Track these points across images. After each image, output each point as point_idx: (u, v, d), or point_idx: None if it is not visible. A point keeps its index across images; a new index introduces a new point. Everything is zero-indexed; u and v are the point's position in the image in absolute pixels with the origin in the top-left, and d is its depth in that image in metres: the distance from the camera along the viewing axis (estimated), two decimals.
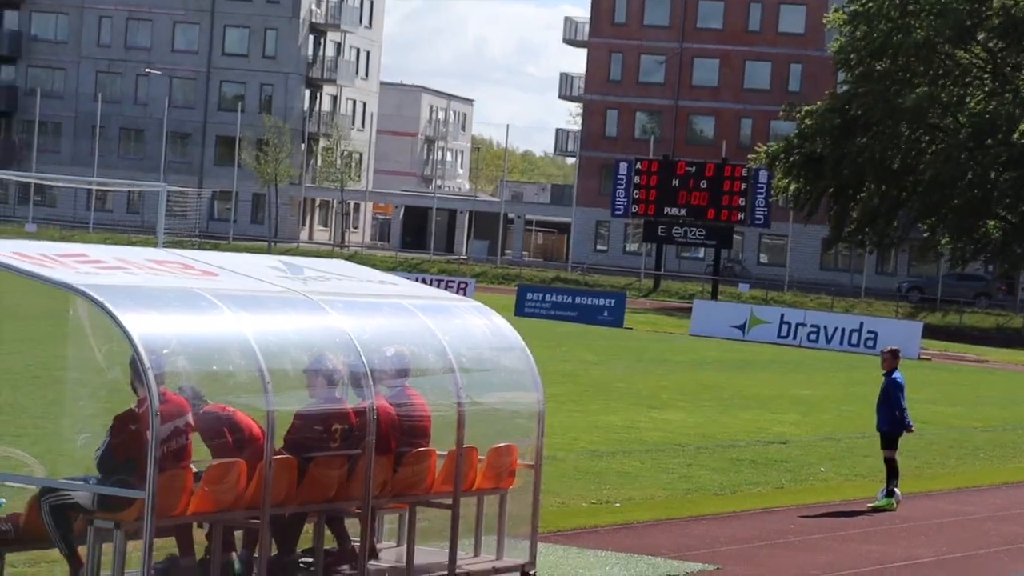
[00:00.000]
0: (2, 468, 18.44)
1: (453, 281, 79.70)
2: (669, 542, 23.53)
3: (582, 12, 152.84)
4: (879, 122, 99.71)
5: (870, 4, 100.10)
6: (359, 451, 18.49)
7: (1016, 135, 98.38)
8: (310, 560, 18.82)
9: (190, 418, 17.20)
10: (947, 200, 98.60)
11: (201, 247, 76.00)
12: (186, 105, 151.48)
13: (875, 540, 25.91)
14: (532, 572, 20.40)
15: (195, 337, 17.74)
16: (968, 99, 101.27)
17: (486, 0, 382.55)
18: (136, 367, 16.53)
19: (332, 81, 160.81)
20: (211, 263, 20.15)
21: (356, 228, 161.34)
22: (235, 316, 18.01)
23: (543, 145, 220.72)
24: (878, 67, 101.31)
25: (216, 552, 17.60)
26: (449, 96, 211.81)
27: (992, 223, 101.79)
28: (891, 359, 30.18)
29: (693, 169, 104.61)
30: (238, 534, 18.31)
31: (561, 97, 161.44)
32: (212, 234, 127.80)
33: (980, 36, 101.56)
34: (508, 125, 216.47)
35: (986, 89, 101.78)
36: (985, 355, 78.49)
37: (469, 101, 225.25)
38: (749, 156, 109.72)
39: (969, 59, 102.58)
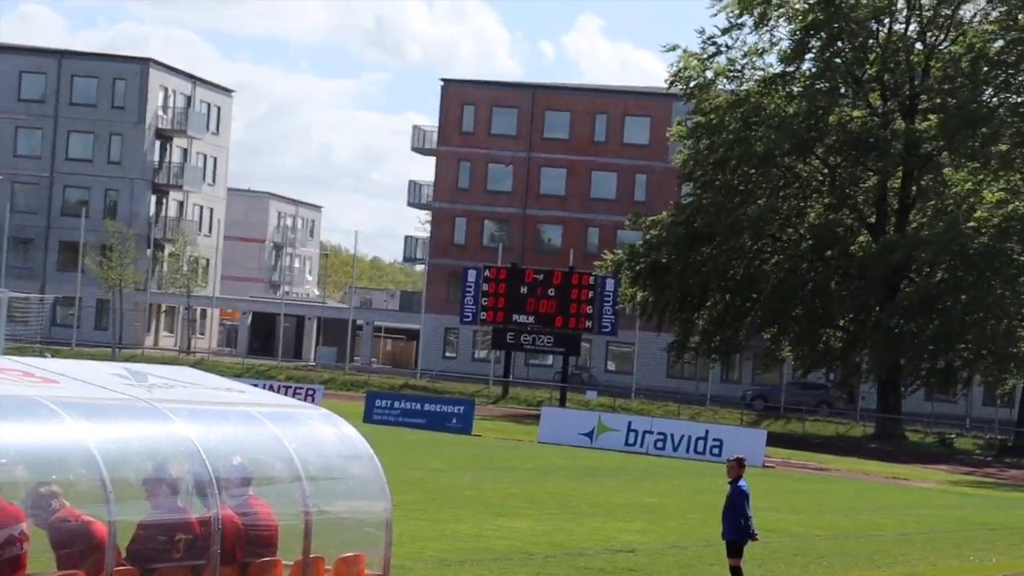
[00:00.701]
0: None
1: (301, 388, 79.50)
2: None
3: (429, 120, 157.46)
4: (722, 233, 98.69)
5: (712, 116, 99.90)
6: (203, 562, 17.91)
7: (854, 247, 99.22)
8: None
9: (24, 527, 16.27)
10: (789, 309, 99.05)
11: (43, 354, 74.47)
12: (28, 210, 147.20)
13: None
14: None
15: (34, 446, 17.15)
16: (808, 211, 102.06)
17: (333, 107, 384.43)
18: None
19: (179, 187, 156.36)
20: (52, 370, 19.63)
21: (203, 334, 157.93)
22: (76, 424, 17.35)
23: (392, 252, 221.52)
24: (719, 179, 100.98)
25: None
26: (297, 203, 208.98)
27: (833, 332, 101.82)
28: (737, 467, 29.64)
29: (541, 277, 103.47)
30: None
31: (410, 204, 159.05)
32: (55, 340, 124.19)
33: (818, 150, 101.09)
34: (356, 232, 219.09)
35: (825, 202, 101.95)
36: (827, 463, 78.20)
37: (317, 207, 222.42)
38: (596, 264, 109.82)
39: (808, 172, 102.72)
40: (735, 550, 29.24)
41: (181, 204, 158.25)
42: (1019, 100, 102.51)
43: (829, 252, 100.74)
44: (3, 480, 16.51)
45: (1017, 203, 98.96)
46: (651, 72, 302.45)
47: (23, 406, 17.22)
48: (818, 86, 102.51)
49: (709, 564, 32.21)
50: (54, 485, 17.48)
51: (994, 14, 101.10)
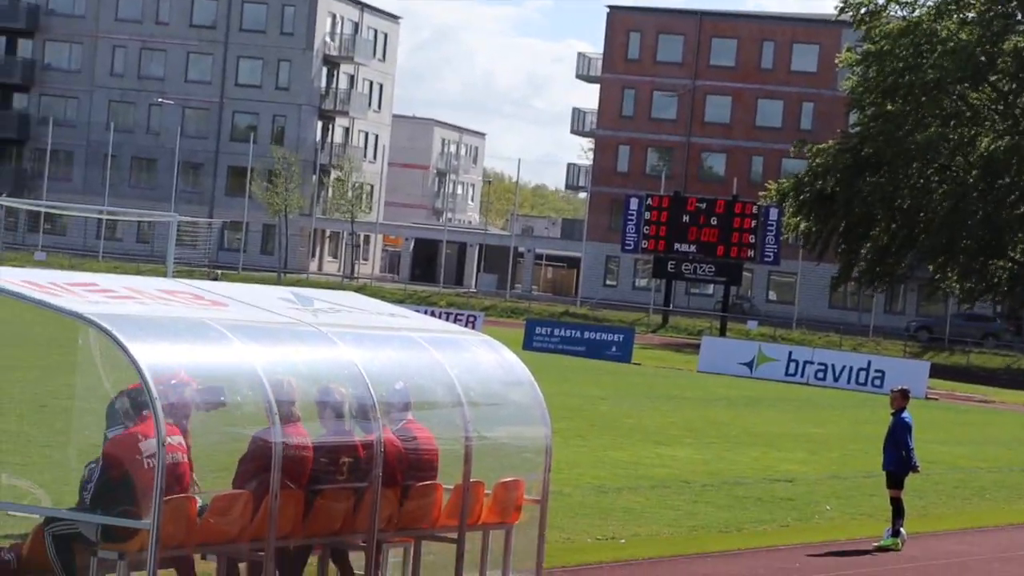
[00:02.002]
0: (6, 497, 18.30)
1: (462, 314, 78.03)
2: None
3: (594, 47, 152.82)
4: (890, 162, 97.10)
5: (883, 43, 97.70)
6: (366, 484, 18.21)
7: (998, 159, 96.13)
8: None
9: (179, 443, 16.47)
10: (957, 240, 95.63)
11: (214, 276, 73.98)
12: (198, 135, 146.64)
13: None
14: None
15: (202, 367, 17.40)
16: (980, 140, 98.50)
17: (495, 34, 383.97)
18: (135, 399, 16.58)
19: (344, 113, 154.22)
20: (221, 293, 19.84)
21: (366, 260, 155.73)
22: (244, 347, 17.78)
23: (554, 179, 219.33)
24: (889, 107, 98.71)
25: None
26: (461, 129, 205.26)
27: (1001, 262, 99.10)
28: (900, 399, 29.00)
29: (704, 206, 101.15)
30: (242, 566, 17.68)
31: (573, 132, 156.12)
32: (221, 263, 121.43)
33: (992, 77, 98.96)
34: (519, 159, 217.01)
35: (997, 130, 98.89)
36: (992, 395, 75.79)
37: (481, 135, 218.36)
38: (760, 193, 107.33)
39: (980, 100, 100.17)
40: (896, 481, 28.73)
41: (347, 130, 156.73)
42: None
43: (1000, 182, 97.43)
44: (174, 399, 16.66)
45: None
46: (820, 0, 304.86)
47: (193, 328, 17.67)
48: (992, 11, 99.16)
49: (869, 495, 31.91)
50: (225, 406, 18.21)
51: None
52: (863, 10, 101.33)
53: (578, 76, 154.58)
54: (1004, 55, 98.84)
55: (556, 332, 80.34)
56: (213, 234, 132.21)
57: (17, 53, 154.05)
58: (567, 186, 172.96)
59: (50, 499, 18.00)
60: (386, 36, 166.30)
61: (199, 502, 16.92)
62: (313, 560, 18.73)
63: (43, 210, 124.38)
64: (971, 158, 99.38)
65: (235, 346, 17.88)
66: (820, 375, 73.14)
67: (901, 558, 27.67)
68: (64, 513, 17.12)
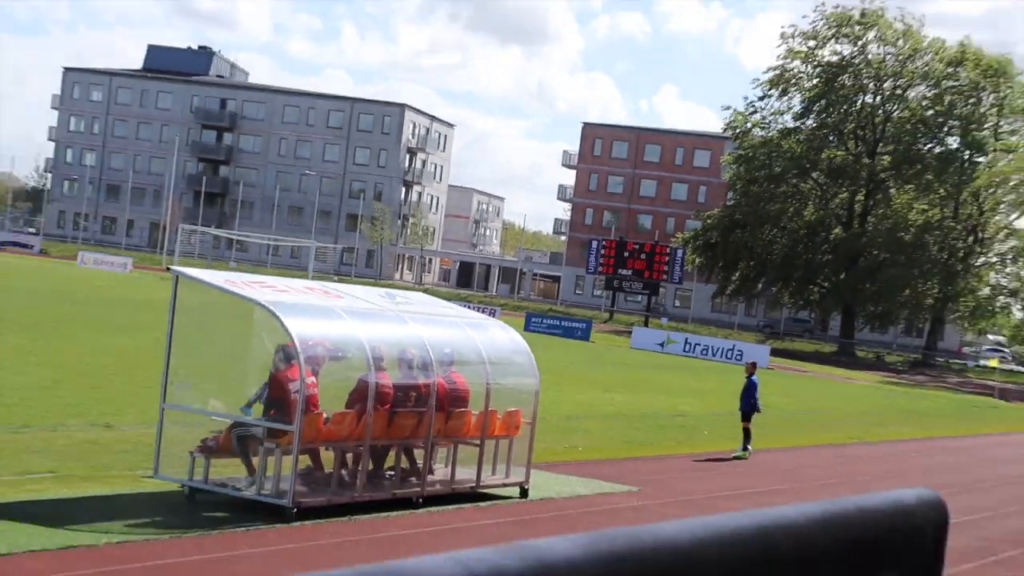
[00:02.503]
0: (216, 409, 20.35)
1: (487, 309, 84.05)
2: (611, 473, 25.93)
3: (573, 147, 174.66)
4: (751, 223, 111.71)
5: (749, 151, 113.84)
6: (424, 409, 20.77)
7: (833, 236, 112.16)
8: (392, 473, 21.13)
9: (314, 380, 19.23)
10: (790, 273, 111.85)
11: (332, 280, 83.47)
12: (330, 194, 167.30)
13: (736, 476, 28.92)
14: (527, 487, 22.47)
15: (328, 335, 20.28)
16: (805, 212, 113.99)
17: (512, 137, 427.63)
18: (287, 352, 19.11)
19: (419, 183, 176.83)
20: (340, 290, 22.97)
21: (428, 273, 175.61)
22: (353, 323, 20.63)
23: (546, 227, 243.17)
24: (752, 189, 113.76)
25: (337, 466, 20.17)
26: (489, 195, 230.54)
27: (814, 287, 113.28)
28: (751, 368, 33.67)
29: (637, 247, 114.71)
30: (348, 456, 20.48)
31: (558, 199, 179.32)
32: (341, 273, 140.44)
33: (813, 174, 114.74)
34: (525, 215, 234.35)
35: (816, 206, 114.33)
36: (807, 368, 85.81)
37: (501, 198, 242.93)
38: (672, 239, 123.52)
39: (806, 188, 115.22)
40: (746, 417, 32.14)
41: (420, 194, 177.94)
42: (939, 151, 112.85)
43: (816, 238, 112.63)
44: (311, 354, 19.10)
45: (932, 213, 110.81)
46: (711, 122, 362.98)
47: (323, 311, 20.36)
48: (817, 134, 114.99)
49: (731, 425, 34.31)
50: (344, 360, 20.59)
51: (928, 95, 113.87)
52: (738, 130, 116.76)
53: (563, 165, 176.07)
54: (821, 161, 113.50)
55: (544, 321, 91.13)
56: (336, 254, 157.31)
57: (223, 141, 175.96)
58: (554, 231, 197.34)
59: (235, 410, 20.01)
60: (446, 136, 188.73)
61: (324, 416, 19.29)
62: (391, 454, 21.15)
63: (235, 237, 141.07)
64: (799, 223, 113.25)
65: (348, 322, 20.55)
66: (704, 352, 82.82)
67: (749, 463, 30.87)
68: (244, 419, 19.61)
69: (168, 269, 20.51)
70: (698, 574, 1.12)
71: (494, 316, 25.75)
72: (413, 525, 19.16)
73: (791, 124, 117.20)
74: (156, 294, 20.72)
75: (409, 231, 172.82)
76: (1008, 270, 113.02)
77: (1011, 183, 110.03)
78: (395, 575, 0.87)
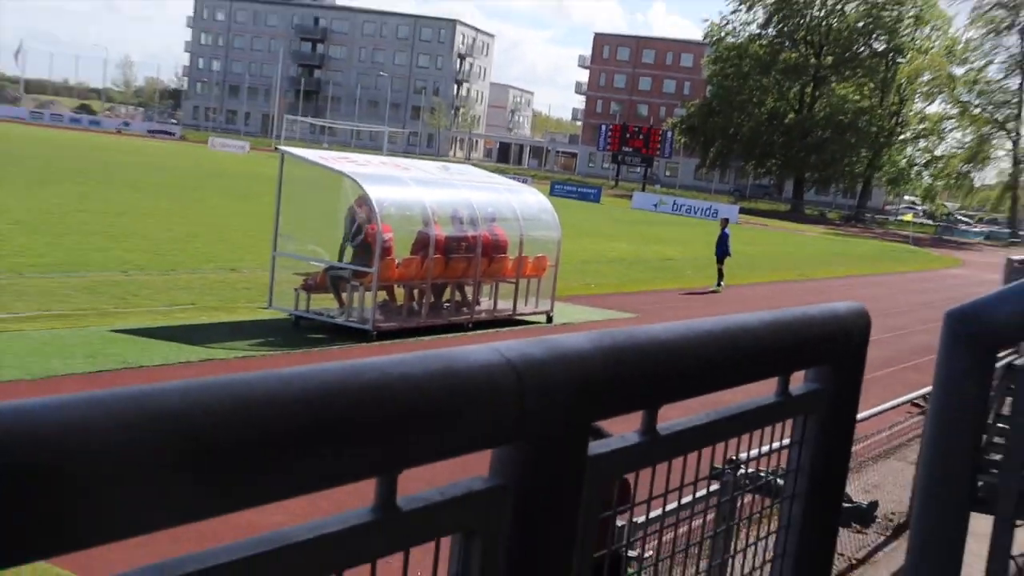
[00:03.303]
0: (314, 255, 20.40)
1: (522, 178, 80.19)
2: (616, 303, 26.02)
3: (585, 51, 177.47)
4: (725, 111, 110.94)
5: (724, 53, 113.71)
6: (473, 255, 20.70)
7: (787, 120, 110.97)
8: (448, 304, 21.02)
9: (391, 235, 19.04)
10: (754, 150, 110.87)
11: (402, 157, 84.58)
12: (399, 91, 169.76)
13: (712, 304, 28.94)
14: (551, 314, 22.23)
15: (397, 199, 19.85)
16: (767, 100, 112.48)
17: (540, 44, 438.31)
18: (371, 209, 18.76)
19: (467, 81, 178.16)
20: (407, 164, 22.73)
21: (475, 151, 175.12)
22: (417, 189, 20.43)
23: (567, 114, 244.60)
24: (724, 84, 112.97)
25: (404, 299, 20.08)
26: (523, 91, 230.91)
27: (772, 161, 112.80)
28: (724, 223, 33.43)
29: (637, 130, 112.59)
30: (415, 291, 20.28)
31: (576, 93, 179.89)
32: (407, 152, 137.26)
33: (773, 72, 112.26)
34: (550, 105, 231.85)
35: (775, 97, 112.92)
36: (767, 223, 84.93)
37: (531, 92, 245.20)
38: (663, 124, 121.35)
39: (767, 83, 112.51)
40: (720, 260, 32.23)
41: (468, 89, 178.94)
42: (869, 53, 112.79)
43: (774, 122, 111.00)
44: (384, 212, 18.83)
45: (863, 102, 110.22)
46: (694, 31, 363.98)
47: (393, 179, 20.30)
48: (775, 41, 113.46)
49: (709, 267, 34.35)
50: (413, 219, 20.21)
51: (860, 9, 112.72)
52: (714, 38, 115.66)
53: (579, 66, 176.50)
54: (778, 62, 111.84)
55: (565, 188, 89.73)
56: (404, 138, 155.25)
57: (316, 51, 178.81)
58: (572, 118, 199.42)
59: (329, 257, 20.02)
60: (487, 44, 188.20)
61: (396, 261, 19.23)
62: (448, 290, 21.11)
63: (327, 125, 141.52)
64: (762, 111, 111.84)
65: (413, 188, 20.42)
66: (688, 211, 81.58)
67: (722, 295, 30.70)
68: (336, 263, 19.55)
69: (276, 149, 20.48)
70: (679, 360, 1.11)
71: (526, 184, 25.33)
72: (464, 343, 18.98)
73: (756, 32, 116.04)
74: (267, 169, 20.44)
75: (460, 119, 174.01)
76: (920, 146, 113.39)
77: (924, 78, 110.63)
78: (445, 358, 0.89)
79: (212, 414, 0.70)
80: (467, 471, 1.10)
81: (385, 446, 0.88)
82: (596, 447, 1.13)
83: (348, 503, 0.98)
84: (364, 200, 19.38)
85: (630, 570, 2.26)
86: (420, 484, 1.02)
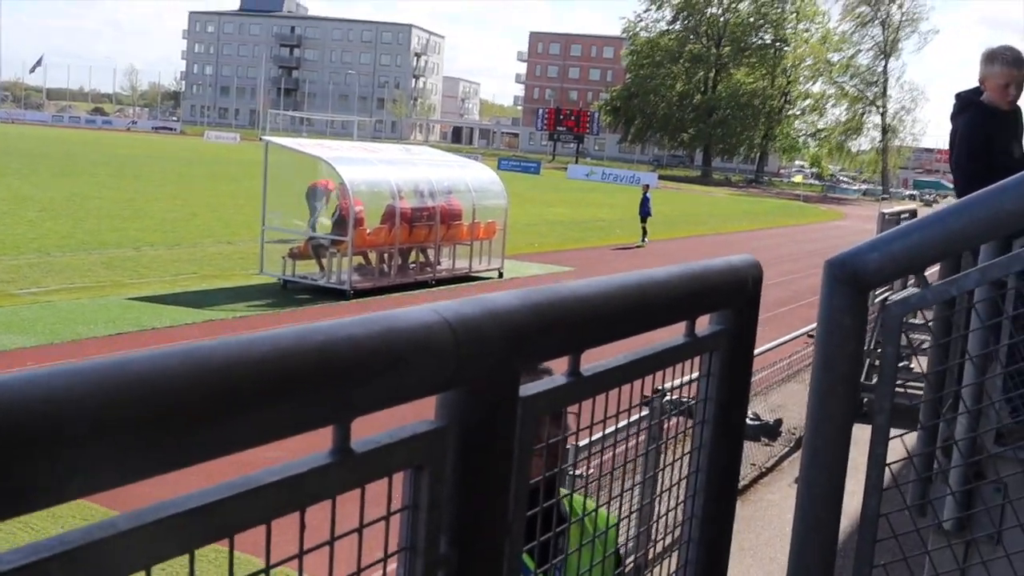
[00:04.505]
0: (296, 228, 20.15)
1: (472, 156, 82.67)
2: (556, 259, 26.15)
3: (523, 47, 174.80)
4: (641, 95, 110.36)
5: (638, 47, 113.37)
6: (432, 223, 20.64)
7: (695, 101, 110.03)
8: (414, 265, 20.92)
9: (362, 208, 18.82)
10: (668, 126, 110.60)
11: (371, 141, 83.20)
12: (365, 86, 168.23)
13: (638, 257, 28.80)
14: (502, 271, 22.26)
15: (367, 178, 19.83)
16: (676, 85, 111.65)
17: (483, 39, 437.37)
18: (342, 190, 18.76)
19: (423, 75, 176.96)
20: (374, 148, 22.87)
21: (432, 135, 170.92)
22: (384, 169, 20.37)
23: (508, 101, 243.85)
24: (641, 72, 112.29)
25: (376, 262, 19.91)
26: (471, 82, 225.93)
27: (685, 135, 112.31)
28: (645, 188, 33.16)
29: (568, 112, 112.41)
30: (385, 255, 20.06)
31: (516, 82, 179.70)
32: (374, 138, 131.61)
33: (680, 62, 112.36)
34: (494, 95, 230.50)
35: (682, 81, 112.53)
36: (681, 187, 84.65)
37: (478, 83, 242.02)
38: (591, 107, 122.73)
39: (677, 69, 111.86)
40: (643, 220, 32.08)
41: (424, 82, 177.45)
42: (760, 43, 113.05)
43: (684, 102, 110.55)
44: (356, 190, 18.74)
45: (757, 84, 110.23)
46: (615, 27, 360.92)
47: (363, 161, 20.64)
48: (682, 35, 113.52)
49: (633, 226, 34.08)
50: (383, 195, 20.06)
51: (752, 6, 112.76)
52: (630, 33, 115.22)
53: (518, 59, 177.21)
54: (685, 52, 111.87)
55: (510, 163, 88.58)
56: (371, 125, 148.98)
57: (293, 54, 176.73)
58: (514, 104, 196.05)
59: (310, 230, 19.90)
60: (439, 43, 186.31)
61: (368, 230, 19.10)
62: (413, 253, 21.04)
63: (304, 116, 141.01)
64: (673, 93, 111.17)
65: (381, 168, 20.45)
66: (615, 179, 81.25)
67: (646, 250, 30.55)
68: (316, 235, 19.60)
69: (261, 139, 20.35)
70: (598, 310, 1.09)
71: (476, 161, 25.33)
72: (428, 298, 18.97)
73: (665, 28, 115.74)
74: (255, 156, 20.27)
75: (418, 108, 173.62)
76: (807, 119, 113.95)
77: (806, 63, 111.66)
78: (386, 319, 0.89)
79: (179, 377, 0.71)
80: (419, 418, 1.08)
81: (337, 398, 0.88)
82: (527, 389, 1.11)
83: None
84: (322, 187, 20.06)
85: (563, 490, 2.25)
86: (377, 430, 1.00)
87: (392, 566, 1.04)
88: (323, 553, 0.92)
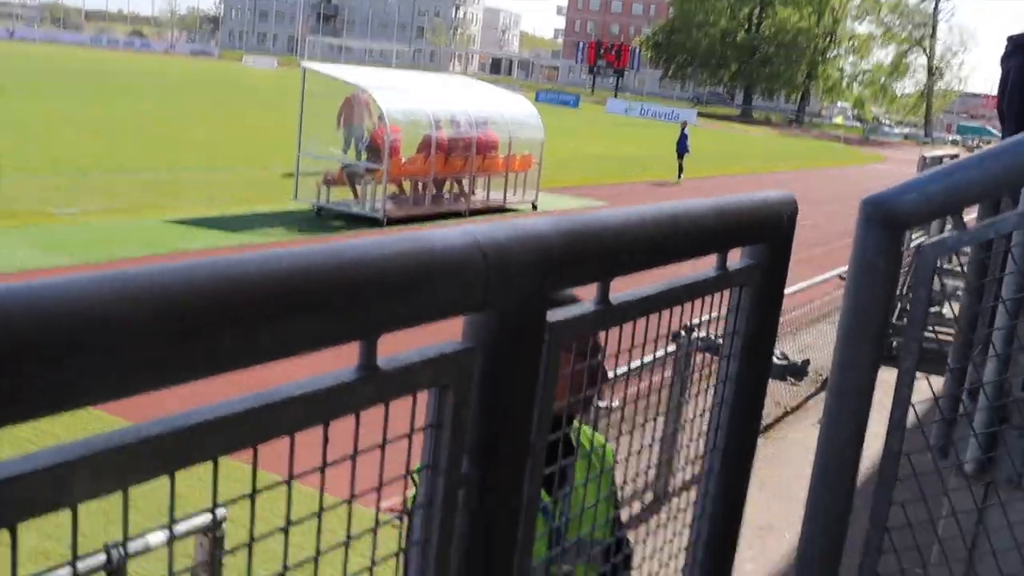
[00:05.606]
0: (332, 154, 20.48)
1: (511, 88, 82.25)
2: (591, 193, 26.00)
3: None
4: (684, 30, 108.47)
5: None
6: (470, 154, 20.59)
7: (738, 38, 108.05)
8: (448, 195, 21.01)
9: (400, 135, 18.99)
10: (710, 62, 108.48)
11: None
12: (405, 14, 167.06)
13: (673, 193, 28.68)
14: (536, 203, 22.12)
15: (405, 107, 19.58)
16: (720, 21, 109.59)
17: None
18: (381, 117, 18.63)
19: (464, 4, 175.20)
20: (412, 77, 22.54)
21: (472, 66, 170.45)
22: (421, 98, 20.19)
23: (549, 33, 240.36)
24: (684, 7, 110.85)
25: (411, 191, 19.99)
26: (511, 12, 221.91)
27: (726, 71, 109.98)
28: (684, 125, 33.20)
29: (610, 46, 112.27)
30: (420, 184, 20.12)
31: (557, 14, 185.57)
32: (412, 67, 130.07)
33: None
34: (534, 26, 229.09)
35: (727, 17, 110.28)
36: (721, 125, 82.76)
37: (520, 14, 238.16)
38: (632, 41, 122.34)
39: (721, 5, 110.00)
40: (680, 157, 32.15)
41: (464, 12, 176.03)
42: None
43: (727, 39, 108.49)
44: (393, 118, 18.71)
45: (802, 23, 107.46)
46: None
47: (401, 90, 20.38)
48: None
49: (669, 163, 34.17)
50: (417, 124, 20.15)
51: None
52: None
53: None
54: None
55: (548, 95, 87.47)
56: (410, 54, 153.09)
57: None
58: (555, 36, 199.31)
59: (347, 158, 20.23)
60: None
61: (403, 159, 19.22)
62: (448, 183, 21.17)
63: (343, 44, 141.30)
64: (716, 29, 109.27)
65: (418, 98, 20.25)
66: (653, 115, 79.89)
67: (682, 187, 30.49)
68: (352, 161, 19.70)
69: (300, 66, 20.35)
70: (628, 239, 1.09)
71: (515, 92, 25.12)
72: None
73: None
74: (292, 83, 20.36)
75: (458, 38, 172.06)
76: (850, 60, 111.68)
77: (854, 2, 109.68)
78: (419, 239, 0.90)
79: (208, 286, 0.71)
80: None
81: (365, 313, 0.89)
82: (554, 315, 1.11)
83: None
84: (356, 99, 20.32)
85: (585, 427, 2.28)
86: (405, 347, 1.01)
87: (397, 499, 1.06)
88: (346, 469, 0.94)
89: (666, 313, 1.44)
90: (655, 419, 1.77)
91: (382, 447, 0.95)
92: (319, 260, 0.81)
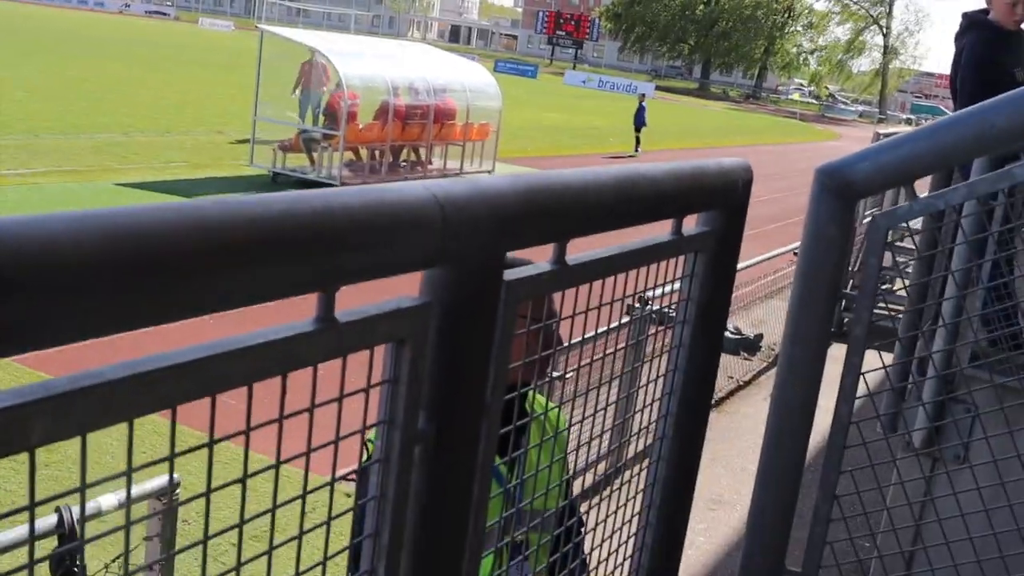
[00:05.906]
0: (289, 119, 20.19)
1: (469, 56, 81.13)
2: (548, 164, 25.95)
3: None
4: (644, 2, 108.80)
5: None
6: (426, 121, 20.53)
7: (697, 12, 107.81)
8: (405, 163, 20.82)
9: (358, 101, 18.83)
10: (668, 36, 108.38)
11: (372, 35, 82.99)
12: None
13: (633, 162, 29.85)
14: (492, 172, 21.24)
15: (363, 73, 19.57)
16: None
17: None
18: (338, 83, 18.64)
19: None
20: (370, 43, 23.11)
21: (430, 32, 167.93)
22: (380, 64, 20.17)
23: (508, 1, 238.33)
24: None
25: (367, 158, 19.99)
26: None
27: (685, 45, 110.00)
28: (641, 98, 33.34)
29: (569, 16, 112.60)
30: (377, 151, 20.02)
31: None
32: (371, 33, 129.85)
33: None
34: None
35: None
36: (677, 99, 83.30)
37: None
38: (592, 12, 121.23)
39: None
40: (637, 129, 32.12)
41: None
42: None
43: (686, 12, 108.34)
44: (350, 84, 18.70)
45: None
46: None
47: (359, 55, 20.62)
48: None
49: (628, 135, 33.87)
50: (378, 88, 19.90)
51: None
52: None
53: None
54: None
55: (507, 65, 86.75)
56: (368, 19, 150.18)
57: None
58: (514, 5, 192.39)
59: (302, 124, 19.72)
60: None
61: (360, 126, 19.06)
62: (405, 151, 21.00)
63: (301, 7, 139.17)
64: (676, 3, 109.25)
65: (376, 64, 20.22)
66: (611, 88, 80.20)
67: (640, 160, 27.66)
68: (308, 127, 19.52)
69: (257, 28, 20.10)
70: (586, 200, 1.10)
71: (473, 61, 25.06)
72: None
73: None
74: (249, 45, 19.97)
75: (417, 3, 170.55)
76: (807, 36, 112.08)
77: None
78: (379, 191, 0.90)
79: (173, 230, 0.71)
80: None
81: (324, 264, 0.89)
82: (511, 273, 1.12)
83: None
84: (314, 64, 19.81)
85: (538, 395, 2.29)
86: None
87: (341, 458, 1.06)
88: (303, 421, 0.94)
89: (621, 277, 1.45)
90: (608, 383, 1.78)
91: (339, 400, 0.95)
92: (281, 208, 0.81)
